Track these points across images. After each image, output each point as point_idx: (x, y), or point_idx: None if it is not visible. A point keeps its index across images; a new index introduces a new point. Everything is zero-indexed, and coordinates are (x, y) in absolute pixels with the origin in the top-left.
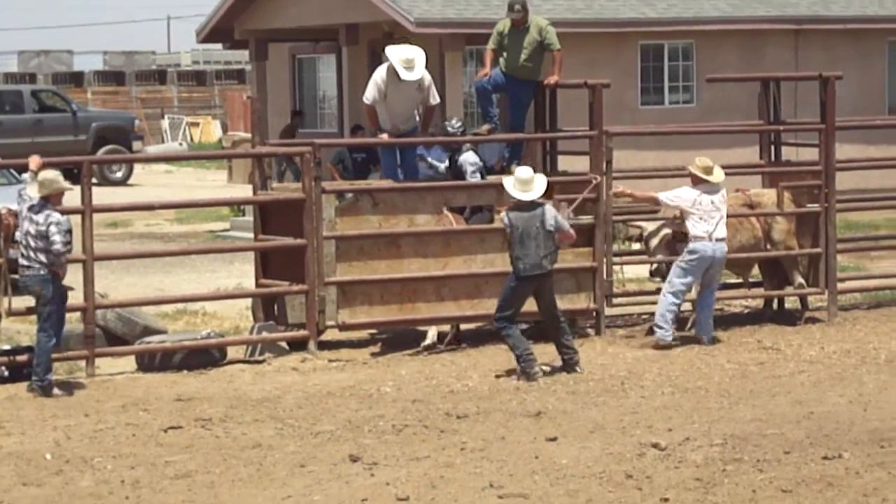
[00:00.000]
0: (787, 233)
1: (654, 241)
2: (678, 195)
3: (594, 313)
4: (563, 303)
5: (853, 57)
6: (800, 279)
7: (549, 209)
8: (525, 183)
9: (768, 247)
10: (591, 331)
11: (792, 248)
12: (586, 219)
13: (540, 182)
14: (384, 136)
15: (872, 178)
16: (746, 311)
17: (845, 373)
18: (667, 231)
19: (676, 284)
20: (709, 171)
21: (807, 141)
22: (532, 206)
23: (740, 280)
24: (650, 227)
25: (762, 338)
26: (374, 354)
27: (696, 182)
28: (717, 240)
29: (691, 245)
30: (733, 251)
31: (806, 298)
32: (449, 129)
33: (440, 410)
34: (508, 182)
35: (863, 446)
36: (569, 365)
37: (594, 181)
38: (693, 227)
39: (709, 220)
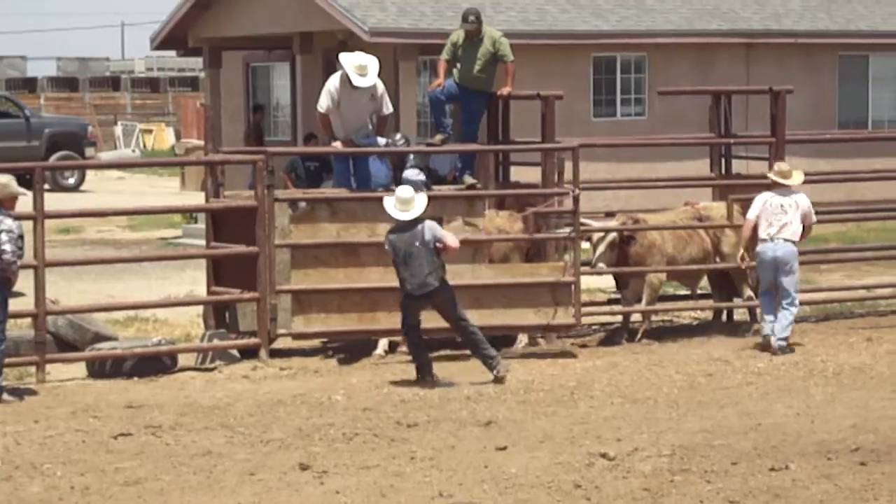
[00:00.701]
0: (736, 245)
1: (602, 247)
2: (754, 204)
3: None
4: (540, 317)
5: (804, 71)
6: (748, 291)
7: (429, 224)
8: (405, 203)
9: (717, 260)
10: (542, 340)
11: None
12: (563, 232)
13: (420, 201)
14: (338, 145)
15: (822, 191)
16: (696, 322)
17: (793, 385)
18: (614, 235)
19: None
20: (785, 174)
21: (757, 154)
22: (412, 224)
23: (689, 292)
24: (597, 227)
25: (711, 349)
26: (325, 363)
27: (773, 187)
28: (780, 239)
29: (756, 248)
30: (683, 263)
31: (755, 310)
32: (391, 144)
33: (391, 419)
34: (389, 202)
35: (810, 458)
36: (492, 371)
37: (574, 192)
38: (759, 230)
39: (773, 223)
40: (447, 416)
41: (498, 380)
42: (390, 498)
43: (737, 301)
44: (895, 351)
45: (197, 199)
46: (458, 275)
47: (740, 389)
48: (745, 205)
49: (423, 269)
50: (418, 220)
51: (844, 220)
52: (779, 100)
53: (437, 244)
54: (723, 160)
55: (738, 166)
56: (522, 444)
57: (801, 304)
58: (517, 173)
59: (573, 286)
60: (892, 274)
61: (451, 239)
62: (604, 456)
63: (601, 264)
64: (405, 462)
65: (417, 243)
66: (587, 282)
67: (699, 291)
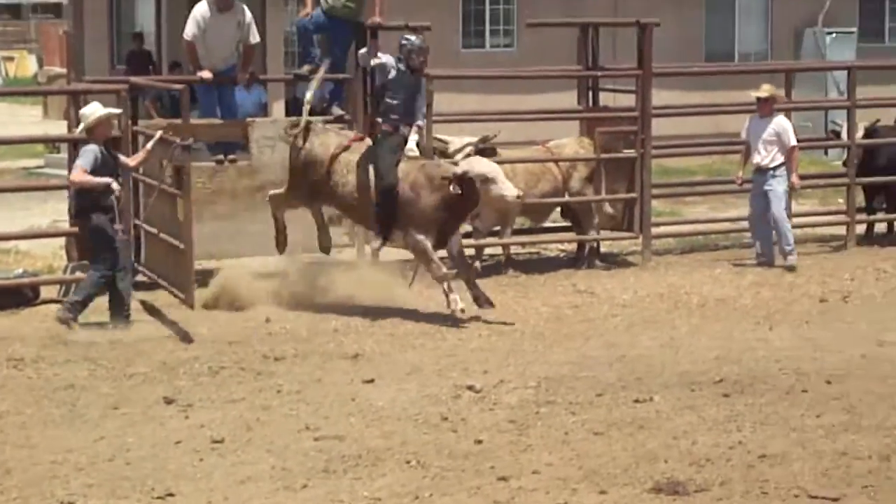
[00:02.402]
0: (585, 182)
1: (459, 158)
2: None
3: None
4: None
5: (671, 4)
6: (592, 230)
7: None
8: None
9: (567, 196)
10: (410, 273)
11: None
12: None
13: None
14: (204, 74)
15: (688, 124)
16: (562, 255)
17: (658, 317)
18: (471, 148)
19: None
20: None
21: (624, 87)
22: None
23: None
24: (455, 143)
25: (577, 281)
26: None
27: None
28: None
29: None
30: (535, 198)
31: (591, 246)
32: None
33: (257, 353)
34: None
35: (673, 389)
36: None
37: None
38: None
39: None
40: (314, 349)
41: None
42: (256, 431)
43: (604, 234)
44: (759, 283)
45: (60, 128)
46: None
47: (606, 321)
48: (608, 138)
49: None
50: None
51: (710, 153)
52: (646, 33)
53: None
54: (590, 93)
55: (605, 99)
56: (390, 377)
57: (667, 235)
58: None
59: None
60: None
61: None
62: (470, 388)
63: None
64: (271, 395)
65: None
66: None
67: (560, 224)
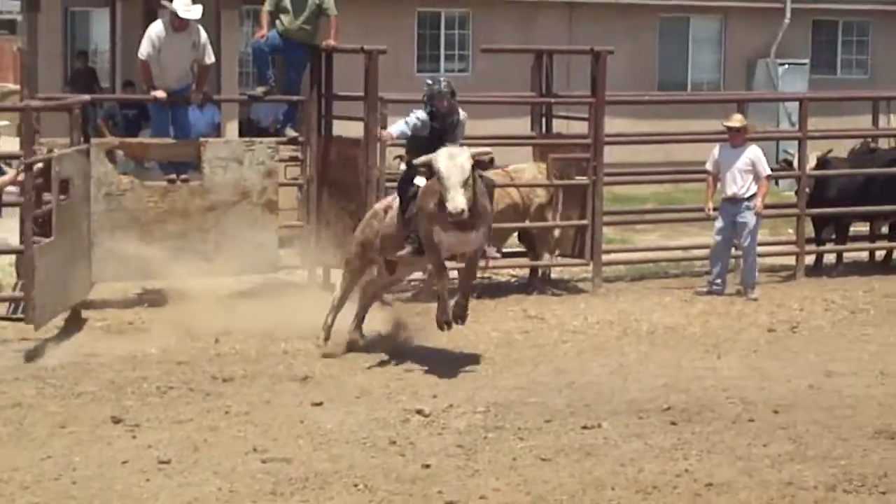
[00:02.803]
0: (545, 207)
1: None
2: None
3: None
4: None
5: (625, 33)
6: (546, 255)
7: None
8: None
9: (526, 221)
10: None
11: (546, 221)
12: None
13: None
14: (158, 94)
15: (641, 152)
16: (514, 280)
17: (607, 343)
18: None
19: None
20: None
21: (578, 114)
22: None
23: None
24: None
25: (528, 307)
26: (140, 316)
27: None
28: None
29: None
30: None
31: (549, 272)
32: None
33: (206, 373)
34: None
35: (622, 416)
36: None
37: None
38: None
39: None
40: (263, 370)
41: None
42: (203, 452)
43: (555, 260)
44: (708, 311)
45: (12, 145)
46: None
47: (556, 347)
48: (562, 164)
49: None
50: None
51: (662, 182)
52: (600, 60)
53: None
54: (544, 119)
55: (558, 125)
56: (339, 400)
57: (617, 263)
58: (339, 128)
59: None
60: (707, 235)
61: None
62: (419, 412)
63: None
64: (220, 417)
65: None
66: None
67: (514, 250)
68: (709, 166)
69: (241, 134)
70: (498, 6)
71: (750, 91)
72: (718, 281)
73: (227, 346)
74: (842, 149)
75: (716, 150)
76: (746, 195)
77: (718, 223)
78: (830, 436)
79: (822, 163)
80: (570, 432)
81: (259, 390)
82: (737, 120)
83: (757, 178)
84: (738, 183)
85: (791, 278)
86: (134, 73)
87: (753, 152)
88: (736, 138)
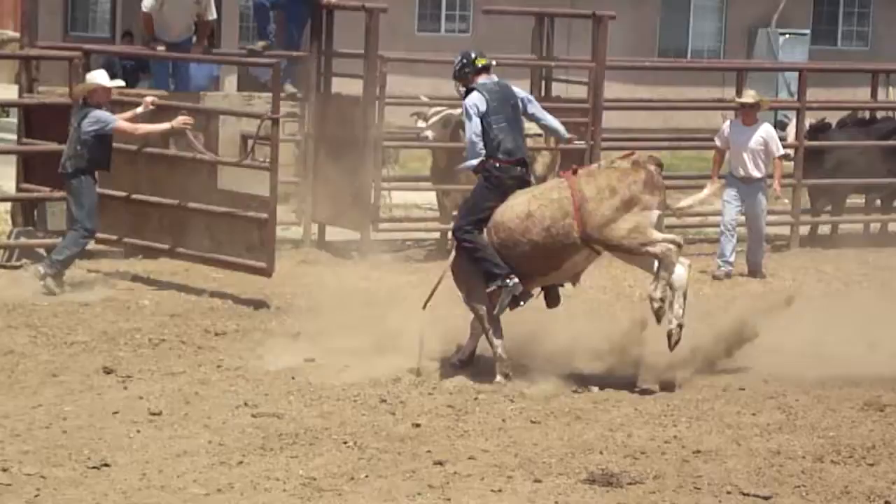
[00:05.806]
0: (549, 168)
1: (435, 119)
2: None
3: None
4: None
5: None
6: None
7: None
8: None
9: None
10: (355, 254)
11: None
12: None
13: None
14: (160, 47)
15: (638, 118)
16: None
17: (600, 308)
18: (450, 112)
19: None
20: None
21: (577, 78)
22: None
23: None
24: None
25: None
26: (134, 266)
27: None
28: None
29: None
30: None
31: None
32: None
33: (199, 327)
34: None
35: (611, 381)
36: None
37: None
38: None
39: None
40: (256, 326)
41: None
42: (194, 405)
43: None
44: (702, 280)
45: (9, 92)
46: None
47: (548, 311)
48: None
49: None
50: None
51: (659, 148)
52: (601, 25)
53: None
54: (543, 82)
55: (557, 89)
56: (331, 357)
57: None
58: (338, 85)
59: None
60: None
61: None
62: (411, 371)
63: (428, 132)
64: (211, 370)
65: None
66: (404, 197)
67: None
68: (717, 142)
69: (239, 88)
70: None
71: (749, 60)
72: (732, 259)
73: (220, 301)
74: (836, 120)
75: (725, 125)
76: (760, 176)
77: (728, 199)
78: (820, 406)
79: (817, 130)
80: (560, 395)
81: (251, 345)
82: (750, 96)
83: (769, 157)
84: (751, 164)
85: (785, 248)
86: (134, 23)
87: (766, 131)
88: (749, 116)
